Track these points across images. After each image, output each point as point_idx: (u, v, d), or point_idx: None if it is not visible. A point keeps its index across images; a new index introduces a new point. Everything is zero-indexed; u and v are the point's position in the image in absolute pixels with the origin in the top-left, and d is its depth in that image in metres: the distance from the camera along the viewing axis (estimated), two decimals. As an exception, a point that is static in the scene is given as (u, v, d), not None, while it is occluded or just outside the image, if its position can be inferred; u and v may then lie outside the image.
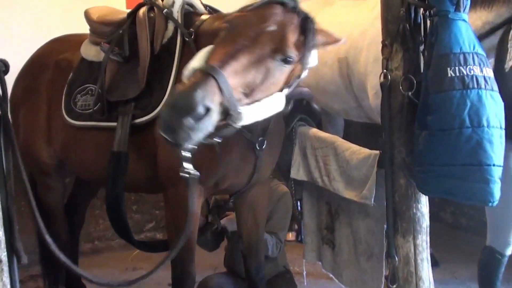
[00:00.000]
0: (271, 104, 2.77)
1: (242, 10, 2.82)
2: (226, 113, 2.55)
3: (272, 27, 2.70)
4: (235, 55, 2.58)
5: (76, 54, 4.01)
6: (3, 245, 2.42)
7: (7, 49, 4.47)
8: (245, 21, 2.73)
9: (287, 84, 2.84)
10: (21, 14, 5.86)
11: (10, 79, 4.06)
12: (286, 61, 2.70)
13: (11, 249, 2.50)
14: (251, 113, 2.66)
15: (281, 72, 2.73)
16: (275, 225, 4.56)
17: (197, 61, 2.65)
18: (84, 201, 4.91)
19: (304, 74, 2.94)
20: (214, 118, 2.47)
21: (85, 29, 4.10)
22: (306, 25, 2.83)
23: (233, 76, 2.53)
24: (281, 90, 2.81)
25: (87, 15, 4.02)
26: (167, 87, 3.37)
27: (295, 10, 2.83)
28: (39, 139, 4.08)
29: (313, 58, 2.94)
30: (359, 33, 4.80)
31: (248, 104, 2.64)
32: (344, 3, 5.58)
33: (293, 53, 2.72)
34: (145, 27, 3.56)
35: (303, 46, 2.80)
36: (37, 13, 5.92)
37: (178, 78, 3.34)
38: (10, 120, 2.59)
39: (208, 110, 2.41)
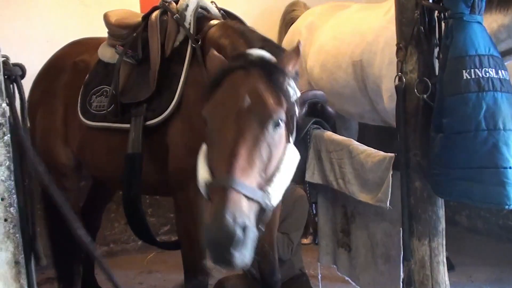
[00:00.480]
0: (289, 163, 2.68)
1: (213, 82, 2.68)
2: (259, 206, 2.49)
3: (249, 100, 2.55)
4: (236, 153, 2.45)
5: (94, 56, 4.05)
6: (21, 247, 2.45)
7: (25, 53, 4.49)
8: (222, 107, 2.59)
9: (289, 133, 2.76)
10: (38, 18, 5.91)
11: (27, 83, 4.12)
12: (278, 123, 2.59)
13: (30, 251, 2.52)
14: (278, 188, 2.58)
15: (279, 133, 2.62)
16: (288, 226, 4.56)
17: (204, 172, 2.58)
18: (101, 204, 4.94)
19: (297, 109, 2.80)
20: (253, 225, 2.41)
21: (101, 33, 4.13)
22: (276, 74, 2.67)
23: (247, 175, 2.44)
24: (288, 142, 2.73)
25: (106, 18, 4.05)
26: (176, 90, 3.40)
27: (263, 63, 2.69)
28: (57, 141, 4.11)
29: (295, 89, 2.80)
30: (374, 36, 4.81)
31: (270, 180, 2.55)
32: (359, 7, 5.60)
33: (280, 113, 2.60)
34: (156, 30, 3.59)
35: (286, 94, 2.67)
36: (54, 17, 5.97)
37: (187, 82, 3.39)
38: (28, 123, 2.61)
39: (246, 226, 2.35)
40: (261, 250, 3.87)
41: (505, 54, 3.75)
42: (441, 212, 3.21)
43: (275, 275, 3.90)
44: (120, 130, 3.62)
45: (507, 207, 2.89)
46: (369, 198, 3.52)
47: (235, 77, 2.61)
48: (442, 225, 3.22)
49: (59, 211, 4.28)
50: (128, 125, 3.55)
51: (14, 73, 2.47)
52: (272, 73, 2.63)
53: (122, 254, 6.31)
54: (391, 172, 3.31)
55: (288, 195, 4.34)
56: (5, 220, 2.37)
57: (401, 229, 3.28)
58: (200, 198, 3.36)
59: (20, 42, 5.67)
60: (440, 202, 3.20)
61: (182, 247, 3.57)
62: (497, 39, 3.65)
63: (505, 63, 3.02)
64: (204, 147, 2.69)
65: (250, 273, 4.51)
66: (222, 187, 2.39)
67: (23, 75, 2.54)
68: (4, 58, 2.44)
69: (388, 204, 3.33)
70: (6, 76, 2.41)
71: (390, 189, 3.32)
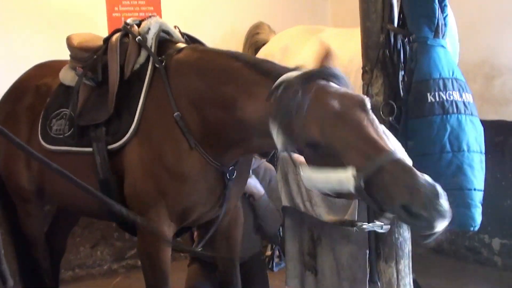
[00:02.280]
0: None
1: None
2: None
3: (345, 89, 2.67)
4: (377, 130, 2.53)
5: (56, 79, 4.00)
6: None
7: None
8: (340, 122, 2.52)
9: None
10: (3, 38, 5.86)
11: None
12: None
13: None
14: None
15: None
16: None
17: (344, 174, 2.46)
18: (66, 228, 4.86)
19: None
20: None
21: (68, 55, 4.09)
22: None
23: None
24: None
25: (68, 40, 4.00)
26: (135, 113, 3.35)
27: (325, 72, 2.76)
28: (19, 165, 4.04)
29: None
30: (348, 60, 4.86)
31: None
32: (335, 31, 5.64)
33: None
34: (115, 53, 3.54)
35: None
36: (21, 38, 5.93)
37: (146, 105, 3.35)
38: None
39: None
40: (224, 275, 3.85)
41: None
42: (408, 234, 3.22)
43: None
44: (79, 153, 3.57)
45: (472, 228, 2.92)
46: (336, 221, 3.51)
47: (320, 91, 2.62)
48: (409, 247, 3.23)
49: (25, 235, 4.27)
50: (87, 149, 3.50)
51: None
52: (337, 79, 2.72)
53: (88, 279, 6.21)
54: (357, 194, 3.32)
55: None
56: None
57: (367, 251, 3.28)
58: (162, 222, 3.34)
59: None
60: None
61: (144, 271, 3.53)
62: None
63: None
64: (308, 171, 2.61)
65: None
66: (390, 161, 2.39)
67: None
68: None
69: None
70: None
71: (356, 211, 3.33)
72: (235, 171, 3.37)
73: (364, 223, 2.75)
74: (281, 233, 4.37)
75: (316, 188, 2.62)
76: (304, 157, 2.66)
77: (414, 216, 2.33)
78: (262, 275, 4.79)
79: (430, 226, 2.33)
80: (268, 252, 6.11)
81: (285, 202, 4.04)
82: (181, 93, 3.29)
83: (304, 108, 2.54)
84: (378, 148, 2.42)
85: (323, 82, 2.65)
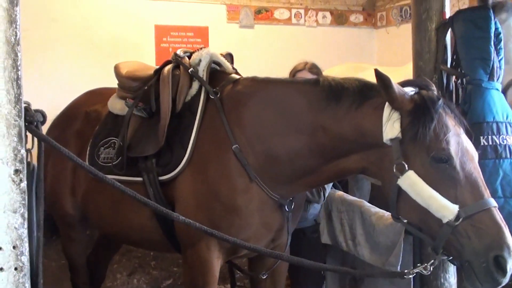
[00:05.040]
0: None
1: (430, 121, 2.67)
2: None
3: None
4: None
5: (106, 106, 4.02)
6: (29, 298, 2.38)
7: (39, 98, 4.53)
8: (464, 150, 2.66)
9: None
10: (57, 65, 6.00)
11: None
12: None
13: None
14: None
15: None
16: None
17: (449, 204, 2.58)
18: (107, 256, 4.87)
19: None
20: None
21: (116, 84, 4.14)
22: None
23: None
24: None
25: (116, 69, 4.02)
26: (188, 146, 3.32)
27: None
28: (65, 190, 4.07)
29: None
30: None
31: None
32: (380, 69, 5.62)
33: None
34: (167, 84, 3.54)
35: None
36: (72, 65, 6.06)
37: (199, 137, 3.32)
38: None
39: None
40: None
41: None
42: (453, 280, 3.16)
43: None
44: (126, 183, 3.56)
45: (522, 277, 2.85)
46: (379, 262, 3.47)
47: (448, 119, 2.67)
48: (454, 292, 3.18)
49: (67, 260, 4.31)
50: (136, 178, 3.50)
51: (36, 119, 2.44)
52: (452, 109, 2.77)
53: (124, 306, 6.22)
54: (403, 236, 3.27)
55: None
56: (15, 269, 2.31)
57: (410, 294, 3.24)
58: (211, 254, 3.29)
59: (35, 88, 5.72)
60: (453, 269, 3.16)
61: None
62: None
63: None
64: (423, 185, 2.63)
65: None
66: (491, 207, 2.52)
67: (43, 121, 2.51)
68: (26, 105, 2.42)
69: (399, 268, 3.28)
70: (27, 123, 2.39)
71: (401, 253, 3.28)
72: (293, 203, 3.31)
73: (413, 270, 2.72)
74: (323, 272, 4.28)
75: (411, 193, 2.63)
76: (415, 165, 2.66)
77: (500, 270, 2.43)
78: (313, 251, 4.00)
79: (499, 283, 2.45)
80: None
81: (327, 240, 4.00)
82: (239, 124, 3.25)
83: (447, 127, 2.62)
84: (485, 193, 2.52)
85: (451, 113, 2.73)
